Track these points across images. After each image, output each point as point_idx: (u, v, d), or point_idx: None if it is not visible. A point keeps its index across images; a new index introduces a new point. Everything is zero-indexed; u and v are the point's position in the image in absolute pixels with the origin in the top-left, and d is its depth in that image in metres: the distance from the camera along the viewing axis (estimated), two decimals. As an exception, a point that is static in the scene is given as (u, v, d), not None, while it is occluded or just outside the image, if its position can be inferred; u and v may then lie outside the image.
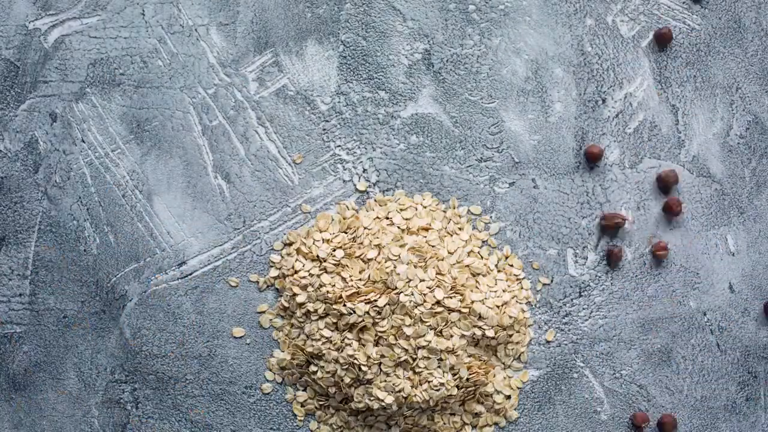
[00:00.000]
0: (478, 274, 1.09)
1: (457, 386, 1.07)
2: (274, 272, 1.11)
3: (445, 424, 1.10)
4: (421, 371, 1.06)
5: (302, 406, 1.11)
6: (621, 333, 1.11)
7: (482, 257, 1.11)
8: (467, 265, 1.09)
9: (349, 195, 1.12)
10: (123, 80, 1.12)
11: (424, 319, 1.06)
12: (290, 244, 1.12)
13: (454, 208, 1.12)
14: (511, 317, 1.09)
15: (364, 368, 1.06)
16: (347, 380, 1.07)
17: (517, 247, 1.12)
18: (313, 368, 1.09)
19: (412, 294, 1.06)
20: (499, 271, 1.11)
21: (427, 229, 1.10)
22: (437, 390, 1.06)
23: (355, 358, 1.06)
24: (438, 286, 1.07)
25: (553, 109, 1.12)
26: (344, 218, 1.11)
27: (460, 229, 1.11)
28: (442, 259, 1.08)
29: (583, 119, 1.12)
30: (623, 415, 1.11)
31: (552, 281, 1.12)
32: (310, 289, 1.09)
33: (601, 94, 1.13)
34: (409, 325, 1.06)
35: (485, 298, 1.08)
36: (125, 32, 1.12)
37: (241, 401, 1.11)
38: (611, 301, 1.11)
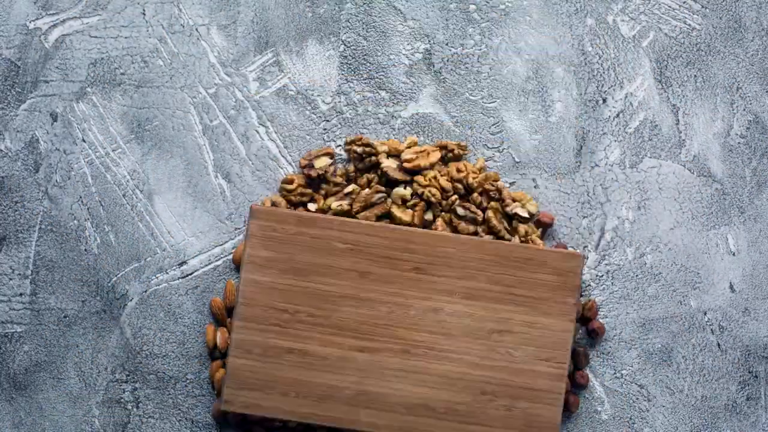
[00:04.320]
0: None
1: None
2: (274, 272, 1.12)
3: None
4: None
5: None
6: (621, 333, 1.11)
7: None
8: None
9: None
10: (124, 80, 1.12)
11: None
12: (291, 244, 1.12)
13: (454, 207, 1.12)
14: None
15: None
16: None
17: (518, 246, 1.12)
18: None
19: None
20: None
21: (427, 229, 1.10)
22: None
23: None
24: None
25: (554, 109, 1.12)
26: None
27: (460, 228, 1.11)
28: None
29: (584, 119, 1.12)
30: (623, 415, 1.11)
31: (552, 281, 1.12)
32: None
33: (601, 93, 1.13)
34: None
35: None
36: (126, 32, 1.12)
37: (242, 401, 1.11)
38: (611, 301, 1.12)
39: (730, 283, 1.12)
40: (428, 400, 1.04)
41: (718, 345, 1.12)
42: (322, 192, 1.10)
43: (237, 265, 1.11)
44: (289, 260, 1.04)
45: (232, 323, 1.05)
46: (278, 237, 1.04)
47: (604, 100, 1.13)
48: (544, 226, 1.11)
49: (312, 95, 1.12)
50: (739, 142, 1.13)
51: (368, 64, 1.13)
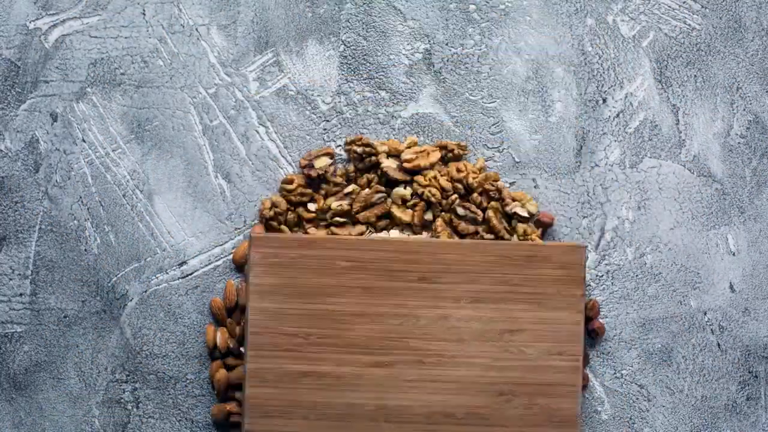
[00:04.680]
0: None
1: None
2: (274, 272, 1.12)
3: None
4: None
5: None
6: (621, 333, 1.11)
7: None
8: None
9: (350, 195, 1.12)
10: (124, 80, 1.12)
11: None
12: (291, 244, 1.12)
13: (454, 207, 1.12)
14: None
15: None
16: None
17: (518, 246, 1.12)
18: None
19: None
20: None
21: (427, 229, 1.10)
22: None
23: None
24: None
25: (554, 109, 1.12)
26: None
27: (460, 228, 1.11)
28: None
29: (584, 119, 1.12)
30: (623, 415, 1.11)
31: (552, 281, 1.12)
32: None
33: (601, 93, 1.13)
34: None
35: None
36: (126, 32, 1.12)
37: (242, 401, 1.11)
38: (611, 301, 1.12)
39: (730, 283, 1.12)
40: (447, 407, 1.04)
41: (718, 345, 1.12)
42: (322, 192, 1.10)
43: (237, 265, 1.11)
44: (294, 284, 1.04)
45: (245, 353, 1.05)
46: (280, 262, 1.04)
47: (604, 100, 1.13)
48: (544, 226, 1.11)
49: (312, 95, 1.12)
50: (739, 142, 1.13)
51: (368, 64, 1.13)
